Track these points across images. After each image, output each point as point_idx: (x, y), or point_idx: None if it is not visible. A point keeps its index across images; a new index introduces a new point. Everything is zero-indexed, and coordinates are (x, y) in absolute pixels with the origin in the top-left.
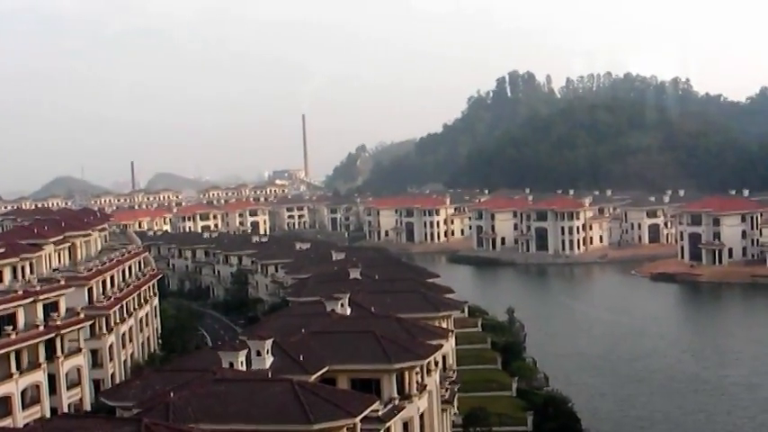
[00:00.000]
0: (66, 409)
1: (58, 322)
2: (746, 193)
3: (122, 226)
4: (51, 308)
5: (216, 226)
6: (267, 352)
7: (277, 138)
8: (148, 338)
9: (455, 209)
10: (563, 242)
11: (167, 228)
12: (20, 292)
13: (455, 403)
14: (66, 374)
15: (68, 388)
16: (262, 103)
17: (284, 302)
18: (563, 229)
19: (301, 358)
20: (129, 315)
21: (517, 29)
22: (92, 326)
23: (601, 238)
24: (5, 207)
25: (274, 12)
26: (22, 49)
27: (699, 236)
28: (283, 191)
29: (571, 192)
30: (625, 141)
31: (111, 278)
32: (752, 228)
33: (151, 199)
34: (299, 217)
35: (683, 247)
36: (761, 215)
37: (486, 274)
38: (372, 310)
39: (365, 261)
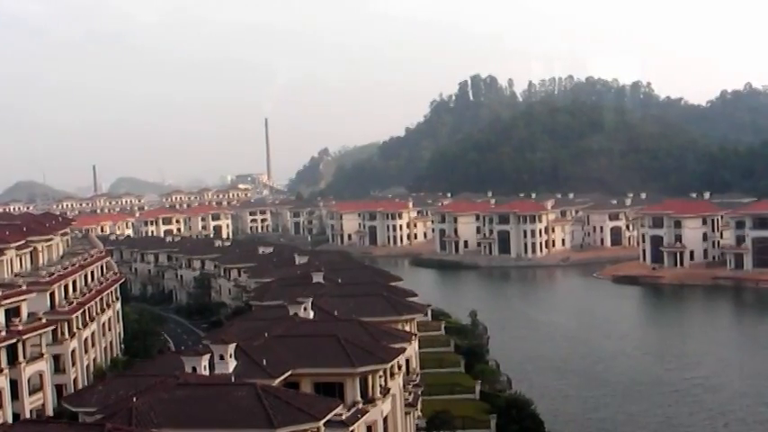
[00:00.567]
0: (28, 415)
1: (20, 327)
2: (707, 195)
3: (84, 230)
4: (13, 313)
5: (178, 230)
6: (230, 356)
7: (240, 142)
8: (111, 343)
9: (418, 212)
10: (525, 245)
11: (130, 232)
12: None
13: (419, 406)
14: (29, 380)
15: (30, 393)
16: (224, 106)
17: (247, 306)
18: (525, 232)
19: (264, 362)
20: (92, 320)
21: (480, 33)
22: (54, 331)
23: (563, 240)
24: None
25: (236, 15)
26: None
27: (660, 238)
28: (246, 195)
29: (533, 195)
30: (587, 144)
31: (74, 283)
32: (713, 230)
33: (113, 203)
34: (262, 221)
35: (644, 250)
36: (722, 218)
37: (448, 277)
38: (335, 313)
39: (328, 265)
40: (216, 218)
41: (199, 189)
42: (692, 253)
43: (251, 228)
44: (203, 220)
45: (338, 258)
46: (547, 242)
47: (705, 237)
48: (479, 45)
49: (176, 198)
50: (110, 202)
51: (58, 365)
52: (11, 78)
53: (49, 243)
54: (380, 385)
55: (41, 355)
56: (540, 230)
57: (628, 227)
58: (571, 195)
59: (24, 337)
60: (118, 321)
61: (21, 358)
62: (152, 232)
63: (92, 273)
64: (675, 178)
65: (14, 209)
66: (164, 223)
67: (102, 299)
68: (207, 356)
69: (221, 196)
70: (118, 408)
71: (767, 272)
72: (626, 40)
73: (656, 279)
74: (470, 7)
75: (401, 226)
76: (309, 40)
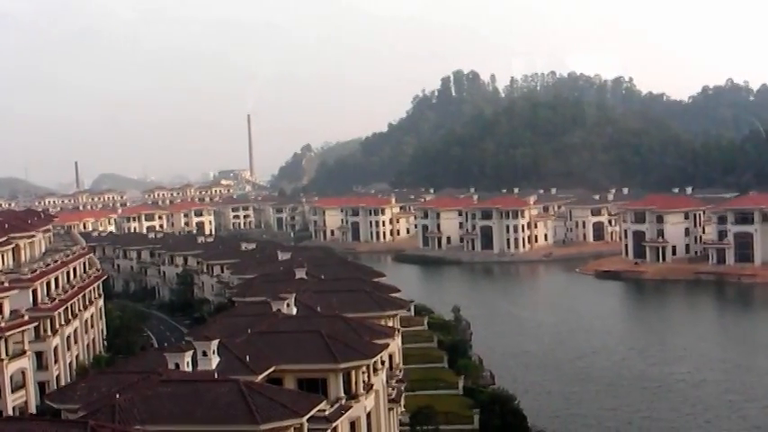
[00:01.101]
0: (10, 412)
1: (2, 324)
2: (689, 190)
3: (67, 227)
4: None
5: (161, 226)
6: (213, 352)
7: (222, 138)
8: (94, 340)
9: (401, 208)
10: (508, 241)
11: (112, 228)
12: None
13: (402, 402)
14: (11, 377)
15: (13, 391)
16: (207, 103)
17: (230, 303)
18: (508, 227)
19: (247, 359)
20: (74, 317)
21: (462, 28)
22: (36, 328)
23: (545, 236)
24: None
25: (217, 11)
26: None
27: (643, 233)
28: (229, 191)
29: (516, 190)
30: (569, 140)
31: (56, 280)
32: (695, 225)
33: (96, 200)
34: (245, 217)
35: (627, 245)
36: (703, 213)
37: (431, 272)
38: (318, 309)
39: (311, 261)
40: (198, 214)
41: (181, 185)
42: (674, 248)
43: (233, 224)
44: (186, 216)
45: (321, 254)
46: (529, 238)
47: (687, 232)
48: (462, 41)
49: (159, 194)
50: (92, 199)
51: (40, 362)
52: None
53: (31, 240)
54: (364, 381)
55: (24, 352)
56: (523, 226)
57: (610, 222)
58: (554, 191)
59: (6, 334)
60: (100, 318)
61: (3, 355)
62: (134, 229)
63: (74, 269)
64: (657, 173)
65: None
66: (146, 220)
67: (84, 296)
68: (190, 353)
69: (204, 192)
70: (101, 405)
71: (749, 267)
72: (608, 35)
73: (639, 274)
74: (453, 3)
75: (384, 222)
76: (291, 36)
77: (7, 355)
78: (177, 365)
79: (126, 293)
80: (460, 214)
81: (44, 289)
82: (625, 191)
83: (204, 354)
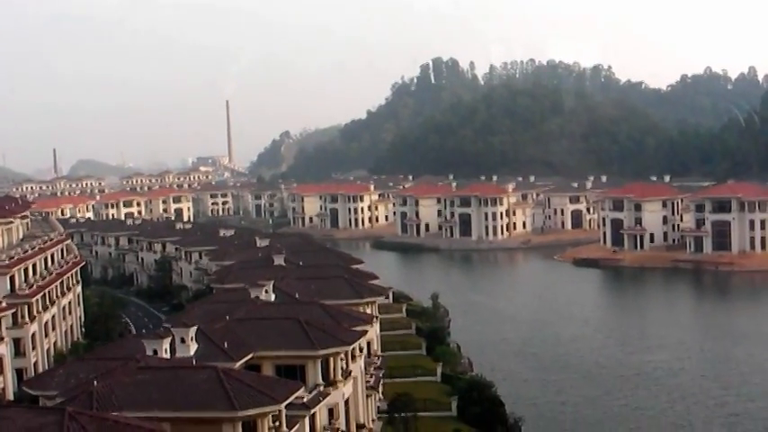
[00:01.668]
0: None
1: None
2: (667, 178)
3: (44, 213)
4: None
5: (139, 213)
6: (191, 339)
7: (201, 124)
8: (72, 327)
9: (379, 195)
10: (486, 228)
11: (90, 215)
12: None
13: (380, 389)
14: None
15: None
16: (185, 88)
17: (208, 289)
18: (486, 214)
19: (226, 345)
20: (52, 303)
21: (441, 15)
22: (14, 314)
23: (524, 223)
24: None
25: None
26: None
27: (621, 221)
28: (207, 177)
29: (494, 178)
30: (548, 128)
31: (34, 266)
32: (673, 213)
33: (74, 186)
34: (224, 203)
35: (605, 233)
36: (681, 201)
37: (410, 260)
38: (297, 296)
39: (289, 247)
40: (177, 200)
41: (160, 172)
42: (651, 236)
43: (212, 210)
44: (164, 202)
45: (299, 241)
46: (508, 225)
47: (665, 220)
48: (441, 28)
49: (137, 181)
50: (70, 185)
51: (18, 349)
52: None
53: (8, 226)
54: (342, 368)
55: (1, 338)
56: (501, 213)
57: (588, 210)
58: (532, 178)
59: None
60: (78, 305)
61: None
62: (113, 215)
63: (52, 256)
64: (636, 162)
65: None
66: (124, 206)
67: (62, 282)
68: (168, 339)
69: (182, 179)
70: (79, 391)
71: (726, 255)
72: (588, 23)
73: (617, 262)
74: None
75: (362, 209)
76: (270, 22)
77: None
78: (155, 352)
79: (104, 280)
80: (439, 201)
81: (22, 275)
82: (603, 179)
83: (182, 340)
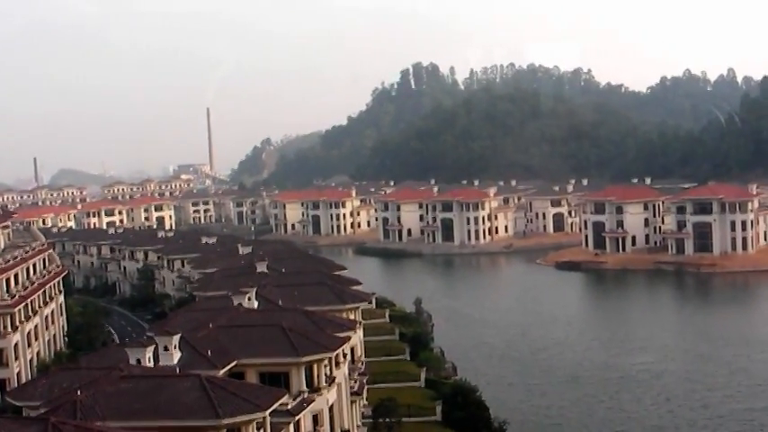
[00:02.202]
0: None
1: None
2: (648, 181)
3: (26, 223)
4: None
5: (121, 221)
6: (175, 347)
7: (181, 132)
8: (54, 336)
9: (361, 201)
10: (468, 232)
11: (72, 224)
12: None
13: (364, 395)
14: None
15: None
16: (165, 97)
17: (191, 297)
18: (468, 219)
19: (209, 353)
20: (35, 313)
21: (422, 20)
22: None
23: (506, 227)
24: None
25: (175, 4)
26: None
27: (602, 224)
28: (188, 185)
29: (476, 182)
30: (528, 132)
31: (16, 276)
32: (654, 215)
33: (55, 195)
34: (205, 211)
35: (587, 236)
36: (663, 203)
37: (392, 265)
38: (280, 303)
39: (272, 254)
40: (158, 209)
41: (141, 180)
42: (633, 238)
43: (194, 218)
44: (146, 211)
45: (282, 248)
46: (490, 229)
47: (646, 222)
48: (421, 33)
49: (118, 189)
50: (51, 195)
51: (0, 359)
52: None
53: None
54: (326, 374)
55: None
56: (483, 218)
57: (570, 213)
58: (513, 182)
59: None
60: (61, 314)
61: None
62: (94, 224)
63: (34, 266)
64: (617, 164)
65: None
66: (106, 215)
67: (44, 292)
68: (151, 348)
69: (164, 187)
70: (62, 401)
71: (708, 256)
72: (567, 27)
73: (599, 265)
74: None
75: (344, 215)
76: (251, 29)
77: None
78: (139, 361)
79: (86, 289)
80: (421, 206)
81: (4, 285)
82: (584, 182)
83: (166, 349)
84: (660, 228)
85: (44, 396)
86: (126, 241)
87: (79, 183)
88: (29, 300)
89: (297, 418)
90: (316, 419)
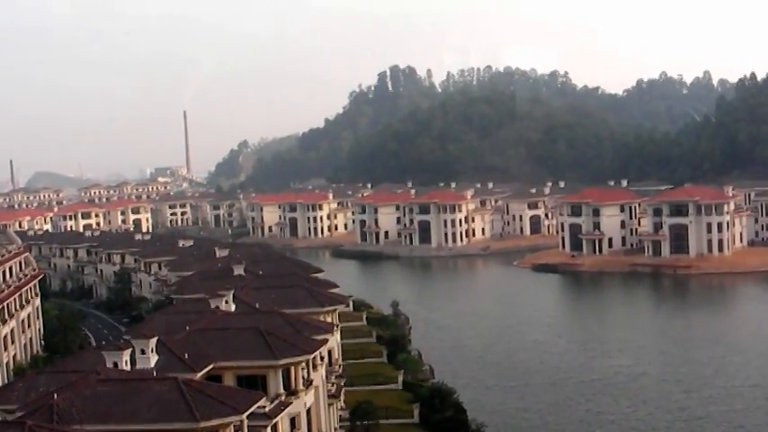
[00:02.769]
0: None
1: None
2: (625, 183)
3: (2, 226)
4: None
5: (98, 224)
6: (152, 351)
7: (158, 134)
8: (31, 340)
9: (338, 203)
10: (446, 235)
11: (48, 227)
12: None
13: (342, 397)
14: None
15: None
16: (142, 99)
17: (168, 300)
18: (445, 221)
19: (186, 356)
20: (11, 317)
21: (398, 23)
22: None
23: (483, 230)
24: None
25: (152, 7)
26: None
27: (579, 226)
28: (165, 188)
29: (453, 185)
30: (505, 134)
31: None
32: (631, 218)
33: (31, 198)
34: (182, 214)
35: (563, 238)
36: (639, 205)
37: (370, 267)
38: (257, 306)
39: (249, 257)
40: (135, 212)
41: (118, 183)
42: (610, 240)
43: (171, 221)
44: (123, 214)
45: (259, 251)
46: (467, 232)
47: (623, 224)
48: (398, 35)
49: (95, 192)
50: (27, 197)
51: None
52: None
53: None
54: (303, 377)
55: None
56: (461, 220)
57: (547, 215)
58: (490, 185)
59: None
60: (38, 318)
61: None
62: (71, 227)
63: (10, 269)
64: (593, 167)
65: None
66: (83, 218)
67: (20, 295)
68: (128, 351)
69: (141, 190)
70: (39, 405)
71: (684, 258)
72: (543, 30)
73: (576, 267)
74: None
75: (322, 217)
76: (227, 31)
77: None
78: (116, 364)
79: (63, 292)
80: (398, 209)
81: None
82: (561, 184)
83: (143, 352)
84: (637, 230)
85: (21, 400)
86: (103, 244)
87: (56, 185)
88: (5, 303)
89: (274, 421)
90: (293, 422)
